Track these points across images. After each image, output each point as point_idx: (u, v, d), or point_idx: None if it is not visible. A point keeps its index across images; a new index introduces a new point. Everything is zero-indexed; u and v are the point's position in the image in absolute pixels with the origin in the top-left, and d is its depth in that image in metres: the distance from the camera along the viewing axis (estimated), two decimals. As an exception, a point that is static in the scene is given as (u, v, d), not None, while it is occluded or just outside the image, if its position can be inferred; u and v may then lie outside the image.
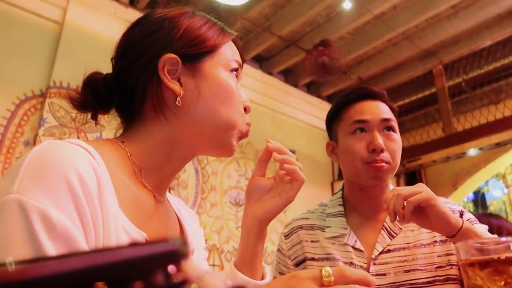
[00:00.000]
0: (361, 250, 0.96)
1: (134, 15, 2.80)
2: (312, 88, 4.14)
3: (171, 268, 0.22)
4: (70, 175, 0.47)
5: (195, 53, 0.62)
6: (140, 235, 0.56)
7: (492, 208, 4.55)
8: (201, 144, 0.64)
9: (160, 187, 0.64)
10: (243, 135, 0.66)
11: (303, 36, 3.39)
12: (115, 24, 2.70)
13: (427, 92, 3.83)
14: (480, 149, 3.24)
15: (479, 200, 4.56)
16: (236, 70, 0.65)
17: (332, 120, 1.10)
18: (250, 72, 3.52)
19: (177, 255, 0.23)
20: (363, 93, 1.05)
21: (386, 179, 0.98)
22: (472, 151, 3.27)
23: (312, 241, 1.03)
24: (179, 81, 0.61)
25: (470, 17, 3.09)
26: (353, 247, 0.97)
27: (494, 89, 3.58)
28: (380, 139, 0.96)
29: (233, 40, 0.69)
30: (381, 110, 1.02)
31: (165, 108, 0.61)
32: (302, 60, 3.30)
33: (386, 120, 1.00)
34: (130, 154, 0.60)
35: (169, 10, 0.65)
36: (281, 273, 1.05)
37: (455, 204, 1.00)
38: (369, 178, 0.98)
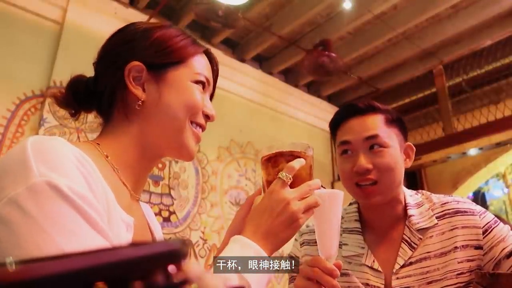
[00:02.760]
0: (379, 271, 0.94)
1: (134, 15, 2.80)
2: (312, 88, 4.14)
3: (171, 268, 0.22)
4: (73, 159, 0.50)
5: (160, 62, 0.67)
6: (130, 220, 0.60)
7: (492, 208, 4.55)
8: (163, 146, 0.68)
9: (136, 185, 0.68)
10: (198, 138, 0.70)
11: (303, 36, 3.39)
12: (115, 24, 2.68)
13: (427, 92, 3.83)
14: (480, 149, 3.24)
15: (479, 200, 4.56)
16: (201, 82, 0.69)
17: (333, 138, 1.08)
18: (250, 72, 3.52)
19: (177, 255, 0.23)
20: (349, 110, 1.00)
21: (379, 198, 0.94)
22: (472, 151, 3.27)
23: None
24: (143, 87, 0.66)
25: (470, 17, 3.09)
26: (371, 267, 0.96)
27: (494, 89, 3.58)
28: (363, 160, 0.93)
29: (209, 57, 0.74)
30: (366, 127, 0.96)
31: (129, 111, 0.66)
32: (301, 61, 3.30)
33: (371, 137, 0.95)
34: (107, 155, 0.64)
35: (148, 23, 0.71)
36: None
37: (473, 205, 0.98)
38: (360, 198, 0.98)
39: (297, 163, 0.65)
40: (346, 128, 0.99)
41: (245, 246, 0.59)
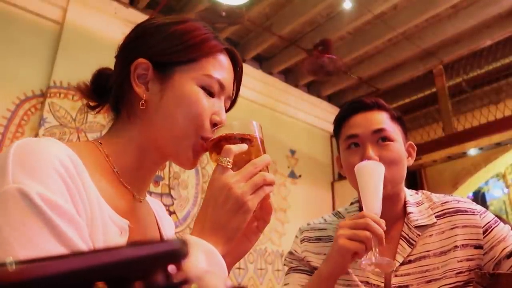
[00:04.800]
0: (378, 269, 0.94)
1: (134, 15, 2.80)
2: (312, 88, 4.14)
3: (171, 268, 0.22)
4: (56, 163, 0.49)
5: (167, 61, 0.63)
6: (124, 223, 0.57)
7: (492, 208, 4.54)
8: (161, 151, 0.65)
9: (139, 186, 0.65)
10: (199, 150, 0.64)
11: (303, 36, 3.39)
12: (115, 24, 2.70)
13: (427, 92, 3.83)
14: (480, 149, 3.23)
15: (479, 199, 4.55)
16: (210, 86, 0.63)
17: (336, 136, 1.08)
18: (250, 72, 3.52)
19: (177, 255, 0.23)
20: (355, 106, 1.02)
21: (385, 190, 0.93)
22: (472, 151, 3.27)
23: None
24: (147, 86, 0.63)
25: (470, 17, 3.09)
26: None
27: (494, 89, 3.58)
28: (371, 151, 0.94)
29: (232, 57, 0.68)
30: (373, 121, 0.98)
31: (131, 110, 0.64)
32: (301, 61, 3.30)
33: (378, 131, 0.96)
34: (108, 155, 0.62)
35: (168, 17, 0.67)
36: (296, 270, 1.04)
37: (474, 204, 0.98)
38: None
39: (236, 147, 0.59)
40: (353, 123, 1.00)
41: (193, 246, 0.54)
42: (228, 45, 0.68)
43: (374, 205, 0.87)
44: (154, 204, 0.75)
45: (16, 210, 0.44)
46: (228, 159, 0.58)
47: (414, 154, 1.04)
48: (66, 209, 0.47)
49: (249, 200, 0.56)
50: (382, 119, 0.99)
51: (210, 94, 0.64)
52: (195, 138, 0.63)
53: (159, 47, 0.63)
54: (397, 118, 1.02)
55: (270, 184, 0.59)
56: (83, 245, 0.48)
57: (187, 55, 0.63)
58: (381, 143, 0.96)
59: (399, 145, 0.98)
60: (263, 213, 0.65)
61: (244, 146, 0.60)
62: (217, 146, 0.62)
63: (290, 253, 1.09)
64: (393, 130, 0.99)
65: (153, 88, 0.63)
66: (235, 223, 0.56)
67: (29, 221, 0.44)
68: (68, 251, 0.46)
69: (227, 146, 0.59)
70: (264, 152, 0.63)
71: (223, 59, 0.66)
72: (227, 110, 0.70)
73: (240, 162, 0.59)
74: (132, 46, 0.65)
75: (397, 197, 1.00)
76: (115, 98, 0.66)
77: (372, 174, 0.90)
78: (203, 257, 0.53)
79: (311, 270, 1.03)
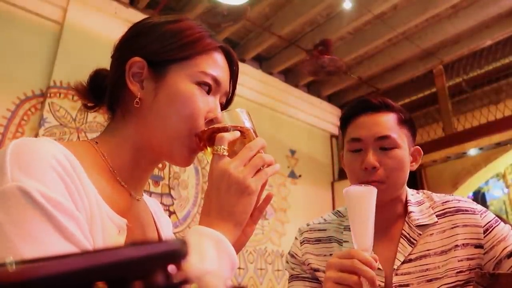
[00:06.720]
0: (379, 269, 0.93)
1: (134, 15, 2.80)
2: (312, 88, 4.14)
3: (171, 268, 0.22)
4: (53, 162, 0.49)
5: (161, 59, 0.63)
6: (122, 222, 0.58)
7: (492, 208, 4.54)
8: (156, 150, 0.64)
9: (135, 185, 0.66)
10: (194, 148, 0.63)
11: (303, 36, 3.39)
12: (115, 24, 2.70)
13: (427, 92, 3.83)
14: (480, 149, 3.24)
15: (479, 200, 4.55)
16: (205, 83, 0.63)
17: (342, 132, 1.07)
18: (250, 72, 3.52)
19: (177, 255, 0.23)
20: (362, 106, 0.99)
21: (383, 197, 0.91)
22: (472, 151, 3.27)
23: (330, 255, 1.01)
24: (142, 84, 0.63)
25: (470, 17, 3.09)
26: None
27: (494, 89, 3.58)
28: (372, 158, 0.92)
29: (227, 55, 0.68)
30: (378, 125, 0.95)
31: (126, 109, 0.64)
32: (302, 61, 3.31)
33: (382, 138, 0.94)
34: (104, 154, 0.62)
35: (163, 16, 0.67)
36: (298, 278, 1.04)
37: (474, 204, 0.98)
38: None
39: (229, 134, 0.59)
40: (358, 124, 0.98)
41: (201, 235, 0.54)
42: (223, 43, 0.68)
43: (364, 239, 0.78)
44: (152, 203, 0.75)
45: (17, 207, 0.44)
46: (223, 146, 0.58)
47: (420, 159, 1.02)
48: (67, 206, 0.48)
49: (251, 182, 0.56)
50: (388, 124, 0.96)
51: (205, 91, 0.64)
52: (189, 137, 0.62)
53: (154, 45, 0.63)
54: (405, 121, 0.99)
55: (270, 164, 0.59)
56: (85, 241, 0.48)
57: (181, 53, 0.63)
58: (384, 150, 0.94)
59: (403, 151, 0.96)
60: (262, 201, 0.65)
61: (236, 133, 0.60)
62: (210, 139, 0.61)
63: (291, 255, 1.08)
64: (398, 135, 0.96)
65: (148, 87, 0.63)
66: (241, 207, 0.56)
67: (32, 218, 0.44)
68: (72, 246, 0.46)
69: (220, 134, 0.58)
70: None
71: (218, 57, 0.66)
72: (223, 109, 0.70)
73: (236, 152, 0.59)
74: (128, 45, 0.66)
75: (398, 198, 1.00)
76: (110, 97, 0.66)
77: (362, 203, 0.81)
78: (212, 246, 0.53)
79: (312, 276, 1.03)
